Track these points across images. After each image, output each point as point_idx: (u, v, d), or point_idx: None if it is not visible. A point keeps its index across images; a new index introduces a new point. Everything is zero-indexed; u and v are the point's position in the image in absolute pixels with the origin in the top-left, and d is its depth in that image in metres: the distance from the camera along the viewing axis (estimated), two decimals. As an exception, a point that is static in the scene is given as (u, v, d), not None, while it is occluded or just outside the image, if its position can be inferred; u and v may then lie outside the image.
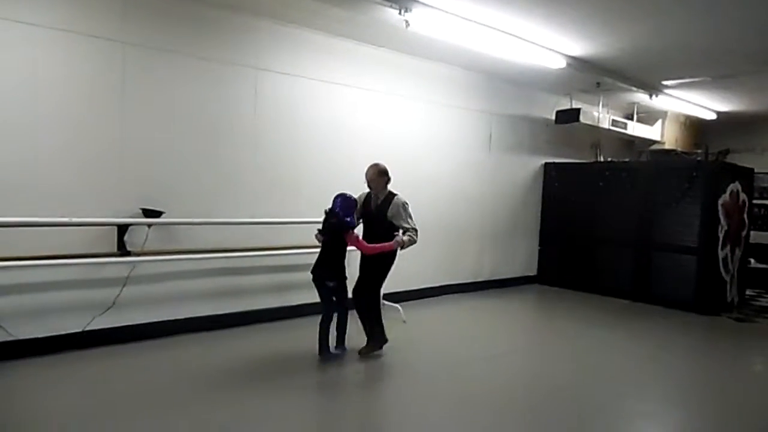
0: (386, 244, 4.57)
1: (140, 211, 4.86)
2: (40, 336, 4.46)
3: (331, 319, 4.68)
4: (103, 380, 4.05)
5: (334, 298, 4.67)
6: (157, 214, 4.89)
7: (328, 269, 4.59)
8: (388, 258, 4.77)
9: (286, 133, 5.88)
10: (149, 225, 4.87)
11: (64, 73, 4.50)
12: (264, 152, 5.72)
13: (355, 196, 4.70)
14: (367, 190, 4.85)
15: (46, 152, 4.44)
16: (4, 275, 4.26)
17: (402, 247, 4.61)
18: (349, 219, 4.54)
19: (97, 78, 4.66)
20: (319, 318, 4.68)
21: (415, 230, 4.69)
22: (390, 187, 4.84)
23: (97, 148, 4.69)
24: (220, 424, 3.41)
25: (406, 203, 4.77)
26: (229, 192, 5.49)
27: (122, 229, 4.73)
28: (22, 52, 4.31)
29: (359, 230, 4.82)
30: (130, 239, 4.79)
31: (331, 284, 4.59)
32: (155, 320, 5.05)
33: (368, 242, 4.66)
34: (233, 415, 3.53)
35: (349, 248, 4.67)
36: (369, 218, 4.81)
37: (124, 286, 4.86)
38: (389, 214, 4.68)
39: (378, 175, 4.75)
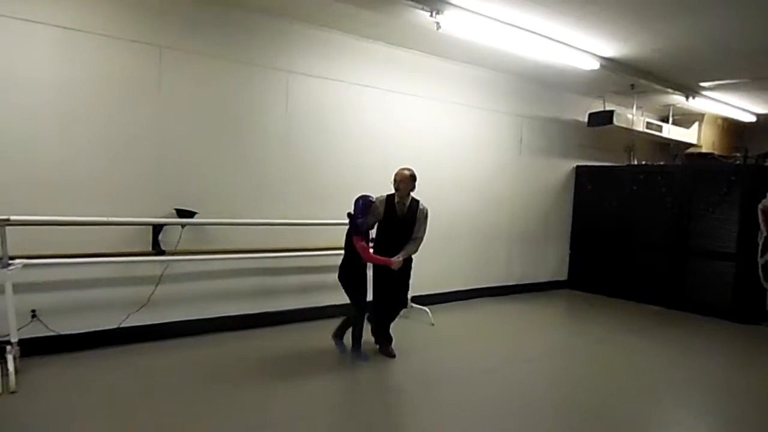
0: (382, 259, 4.65)
1: (174, 212, 4.97)
2: (78, 332, 4.60)
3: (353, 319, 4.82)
4: (138, 375, 4.16)
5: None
6: (191, 214, 4.99)
7: (341, 270, 4.75)
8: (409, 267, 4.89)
9: (316, 135, 5.94)
10: (183, 225, 4.97)
11: (102, 76, 4.64)
12: (295, 154, 5.79)
13: (374, 197, 4.72)
14: (384, 193, 4.85)
15: (85, 153, 4.58)
16: (44, 272, 4.41)
17: (399, 265, 4.67)
18: (360, 221, 4.60)
19: (134, 80, 4.79)
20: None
21: (420, 239, 4.78)
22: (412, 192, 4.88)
23: (134, 149, 4.82)
24: (249, 420, 3.46)
25: (428, 212, 4.86)
26: (261, 193, 5.57)
27: (157, 228, 4.85)
28: (63, 56, 4.46)
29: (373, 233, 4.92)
30: (165, 239, 4.90)
31: (342, 283, 4.73)
32: (187, 318, 5.16)
33: (389, 246, 4.72)
34: (265, 411, 3.58)
35: None
36: (394, 224, 4.78)
37: (158, 284, 4.97)
38: (417, 218, 4.77)
39: (410, 180, 4.77)
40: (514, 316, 6.91)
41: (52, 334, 4.47)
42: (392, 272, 4.70)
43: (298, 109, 5.77)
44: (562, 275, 9.07)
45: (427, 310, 6.21)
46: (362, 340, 4.76)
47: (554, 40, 5.88)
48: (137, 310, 4.88)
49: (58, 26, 4.39)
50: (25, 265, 4.11)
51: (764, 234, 7.18)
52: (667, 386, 4.62)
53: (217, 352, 4.82)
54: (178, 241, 4.97)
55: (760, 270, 7.19)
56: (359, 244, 4.55)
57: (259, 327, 5.50)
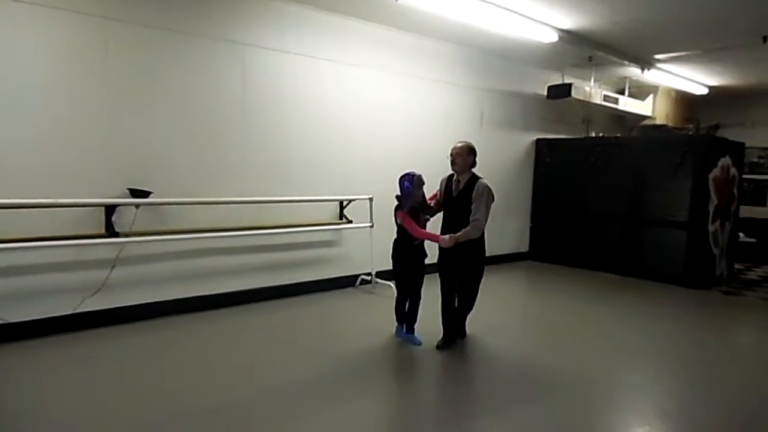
0: (433, 235, 4.31)
1: (128, 192, 4.79)
2: (29, 319, 4.42)
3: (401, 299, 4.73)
4: (95, 362, 4.03)
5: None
6: (145, 194, 4.82)
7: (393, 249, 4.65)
8: (480, 250, 4.42)
9: (275, 109, 5.79)
10: (137, 205, 4.80)
11: (45, 51, 4.37)
12: (253, 129, 5.63)
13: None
14: (447, 173, 4.52)
15: (29, 132, 4.33)
16: (-10, 258, 4.20)
17: (448, 243, 4.22)
18: (406, 196, 4.35)
19: (79, 55, 4.53)
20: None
21: (478, 221, 4.21)
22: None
23: (82, 127, 4.59)
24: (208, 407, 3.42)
25: (491, 190, 4.30)
26: (219, 170, 5.42)
27: (110, 209, 4.66)
28: (0, 28, 4.18)
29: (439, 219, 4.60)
30: (118, 220, 4.72)
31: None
32: (146, 301, 5.02)
33: (448, 230, 4.33)
34: (226, 391, 3.53)
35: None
36: (450, 204, 4.35)
37: (113, 267, 4.81)
38: (473, 197, 4.24)
39: (467, 152, 4.31)
40: (477, 288, 6.99)
41: (1, 322, 4.28)
42: (454, 264, 4.40)
43: (255, 83, 5.60)
44: (524, 247, 9.23)
45: (392, 284, 6.21)
46: (403, 317, 4.70)
47: (514, 11, 5.86)
48: (92, 295, 4.71)
49: (-8, -5, 4.10)
50: (-32, 251, 3.91)
51: (715, 202, 7.44)
52: (625, 350, 4.78)
53: (177, 335, 4.72)
54: (133, 222, 4.80)
55: (710, 237, 7.47)
56: (402, 217, 4.33)
57: (221, 307, 5.41)
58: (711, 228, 7.46)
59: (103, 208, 4.64)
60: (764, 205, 10.91)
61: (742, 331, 5.89)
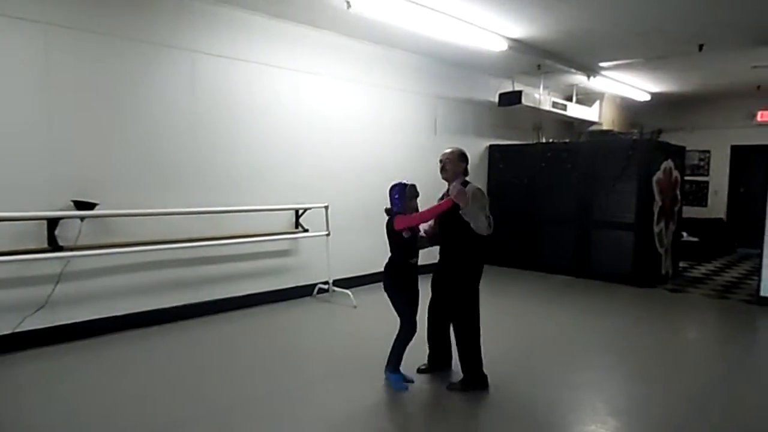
0: (439, 205, 3.82)
1: (72, 204, 4.60)
2: (-36, 340, 4.18)
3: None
4: (37, 382, 3.84)
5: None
6: (90, 206, 4.64)
7: (384, 276, 4.02)
8: (471, 261, 4.01)
9: (225, 118, 5.69)
10: (82, 218, 4.61)
11: (-21, 57, 4.18)
12: (203, 139, 5.52)
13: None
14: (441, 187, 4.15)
15: (-38, 143, 4.12)
16: None
17: (464, 206, 3.71)
18: (397, 207, 3.92)
19: (17, 63, 4.34)
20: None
21: (483, 222, 3.79)
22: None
23: (21, 137, 4.38)
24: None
25: (483, 193, 3.94)
26: (168, 181, 5.28)
27: (53, 222, 4.46)
28: (-71, 34, 3.97)
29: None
30: (62, 233, 4.53)
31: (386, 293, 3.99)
32: (93, 318, 4.83)
33: (444, 248, 4.05)
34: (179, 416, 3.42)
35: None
36: (442, 219, 3.97)
37: (57, 283, 4.60)
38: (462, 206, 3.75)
39: (457, 158, 3.98)
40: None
41: (-67, 344, 4.04)
42: (439, 277, 4.11)
43: (205, 91, 5.49)
44: (480, 252, 9.34)
45: (349, 293, 6.20)
46: (400, 359, 3.95)
47: (465, 21, 5.96)
48: (34, 313, 4.49)
49: None
50: None
51: (659, 204, 7.75)
52: (576, 349, 4.90)
53: (125, 352, 4.54)
54: (78, 236, 4.62)
55: (655, 237, 7.76)
56: (402, 220, 3.80)
57: (172, 322, 5.25)
58: (656, 228, 7.76)
59: (45, 222, 4.44)
60: (705, 206, 11.47)
61: (688, 326, 6.13)
